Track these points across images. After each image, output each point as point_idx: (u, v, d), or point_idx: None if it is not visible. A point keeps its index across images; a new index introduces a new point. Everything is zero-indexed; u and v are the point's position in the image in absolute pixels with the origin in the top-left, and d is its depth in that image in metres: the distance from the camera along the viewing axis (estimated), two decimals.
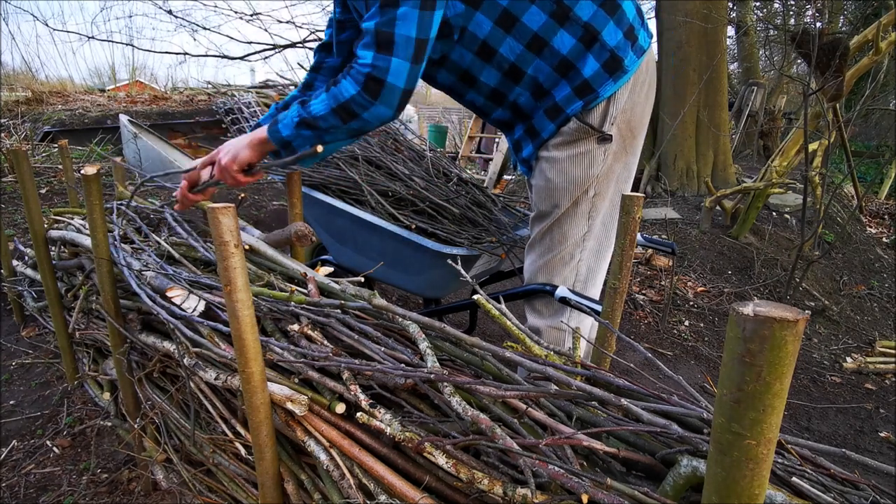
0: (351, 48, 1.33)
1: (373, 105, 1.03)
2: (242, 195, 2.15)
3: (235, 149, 1.16)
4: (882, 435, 2.21)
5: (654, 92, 1.26)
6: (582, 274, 1.31)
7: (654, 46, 1.25)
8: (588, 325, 1.39)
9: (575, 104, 1.14)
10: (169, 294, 1.09)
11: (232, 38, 8.77)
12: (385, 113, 1.06)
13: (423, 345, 0.83)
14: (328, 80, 1.28)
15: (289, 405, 0.84)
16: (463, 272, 0.95)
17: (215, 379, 1.00)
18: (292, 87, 6.11)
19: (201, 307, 1.06)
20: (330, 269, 1.21)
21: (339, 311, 0.97)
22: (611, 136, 1.17)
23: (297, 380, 0.91)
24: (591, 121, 1.16)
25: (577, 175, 1.21)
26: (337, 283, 1.10)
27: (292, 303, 1.01)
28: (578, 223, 1.26)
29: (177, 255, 1.31)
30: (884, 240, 4.91)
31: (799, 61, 7.71)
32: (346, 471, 0.81)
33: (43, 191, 3.56)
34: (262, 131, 1.14)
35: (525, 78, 1.16)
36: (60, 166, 3.89)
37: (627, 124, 1.19)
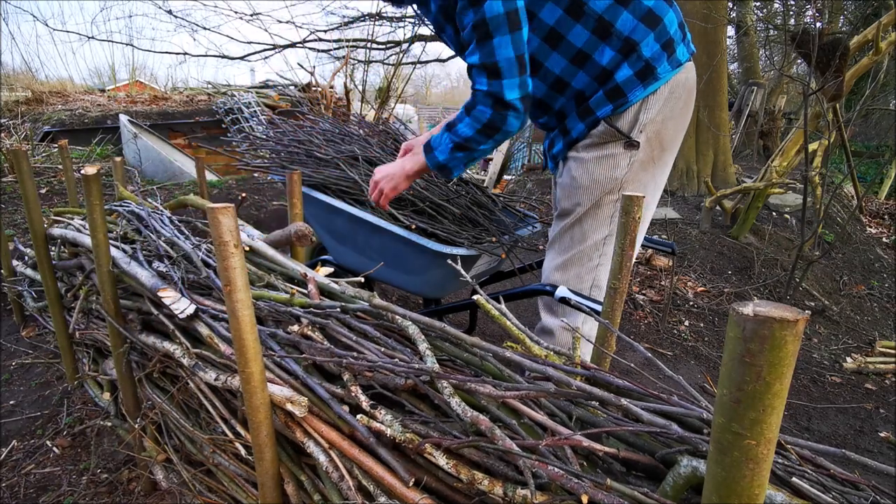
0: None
1: (507, 117, 1.15)
2: (243, 195, 2.14)
3: (396, 179, 1.36)
4: (882, 435, 2.21)
5: (691, 111, 1.28)
6: (601, 280, 1.31)
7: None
8: (595, 325, 1.39)
9: (605, 107, 1.19)
10: (160, 294, 1.08)
11: (232, 38, 8.81)
12: (519, 118, 1.16)
13: (423, 346, 0.83)
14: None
15: (288, 406, 0.84)
16: (463, 272, 0.95)
17: (215, 379, 1.00)
18: (293, 87, 6.11)
19: (191, 310, 1.06)
20: (330, 270, 1.21)
21: (339, 311, 0.97)
22: (638, 143, 1.21)
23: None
24: (619, 125, 1.20)
25: (601, 176, 1.24)
26: (337, 283, 1.10)
27: (293, 305, 1.00)
28: (600, 225, 1.28)
29: (174, 256, 1.31)
30: (884, 240, 4.91)
31: (799, 61, 7.71)
32: (345, 472, 0.81)
33: (43, 191, 3.57)
34: (419, 161, 1.31)
35: (568, 89, 1.22)
36: (60, 166, 3.89)
37: (657, 135, 1.22)
